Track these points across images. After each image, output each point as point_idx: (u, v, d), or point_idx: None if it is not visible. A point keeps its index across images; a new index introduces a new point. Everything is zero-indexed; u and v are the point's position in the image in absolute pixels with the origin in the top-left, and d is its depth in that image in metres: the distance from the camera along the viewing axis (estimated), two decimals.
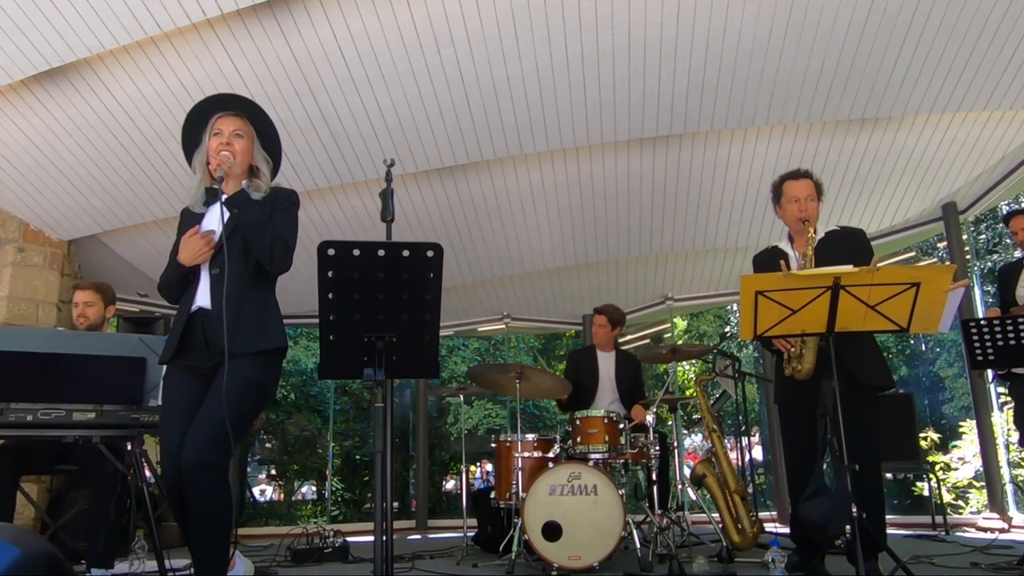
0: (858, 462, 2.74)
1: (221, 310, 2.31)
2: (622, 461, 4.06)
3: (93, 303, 3.76)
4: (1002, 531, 5.07)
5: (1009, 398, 4.16)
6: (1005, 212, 4.76)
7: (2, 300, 5.40)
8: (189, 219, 2.56)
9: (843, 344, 2.84)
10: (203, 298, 2.44)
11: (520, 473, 3.94)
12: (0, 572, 0.95)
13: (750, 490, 5.02)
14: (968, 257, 6.25)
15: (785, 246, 3.32)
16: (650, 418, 4.17)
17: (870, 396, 3.03)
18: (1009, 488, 5.58)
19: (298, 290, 6.90)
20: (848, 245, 3.09)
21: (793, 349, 3.06)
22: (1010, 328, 3.28)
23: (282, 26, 4.08)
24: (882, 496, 3.07)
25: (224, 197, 2.44)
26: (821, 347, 2.94)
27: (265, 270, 2.46)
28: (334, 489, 11.16)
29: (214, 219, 2.47)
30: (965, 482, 7.16)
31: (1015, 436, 4.01)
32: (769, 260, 3.28)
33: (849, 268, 2.53)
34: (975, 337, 3.37)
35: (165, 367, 2.48)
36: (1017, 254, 4.11)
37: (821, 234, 3.20)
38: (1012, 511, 5.43)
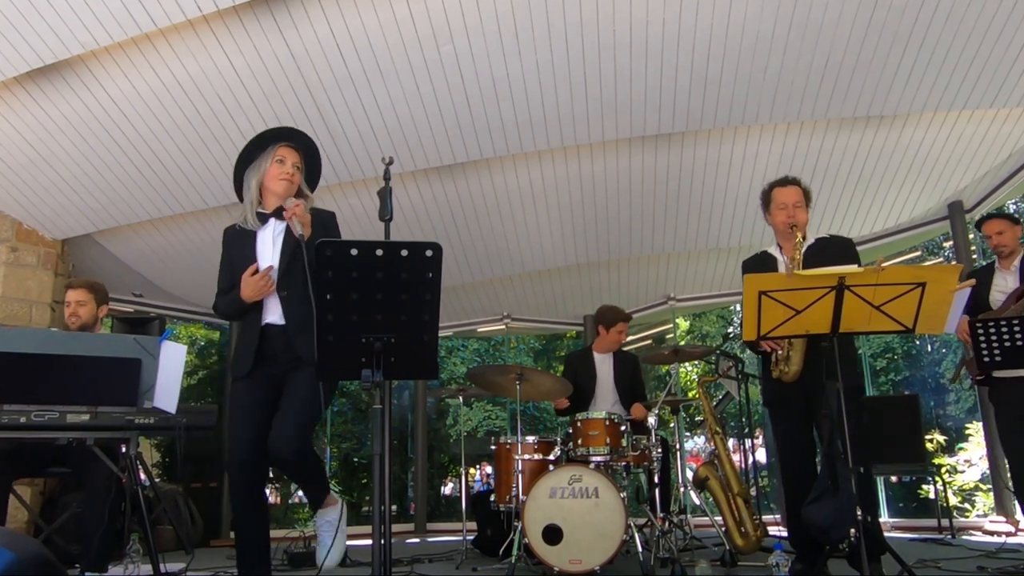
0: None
1: (290, 326, 2.62)
2: (623, 463, 4.06)
3: (85, 302, 3.75)
4: (1009, 535, 5.06)
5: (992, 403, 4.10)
6: (979, 218, 4.68)
7: None
8: (239, 237, 2.77)
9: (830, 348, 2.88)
10: (272, 316, 2.68)
11: (520, 476, 3.95)
12: None
13: (753, 493, 5.03)
14: (974, 256, 6.24)
15: (774, 251, 3.37)
16: (652, 420, 4.18)
17: (856, 399, 3.06)
18: None
19: None
20: (837, 253, 3.10)
21: (780, 351, 3.10)
22: (1017, 328, 3.28)
23: (279, 22, 4.08)
24: (876, 499, 3.10)
25: (260, 219, 2.75)
26: (808, 344, 3.00)
27: None
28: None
29: (268, 241, 2.72)
30: (971, 485, 7.16)
31: (1000, 440, 3.98)
32: (759, 265, 3.32)
33: (854, 268, 2.53)
34: (982, 338, 3.36)
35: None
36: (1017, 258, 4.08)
37: (811, 240, 3.24)
38: (1019, 515, 5.43)
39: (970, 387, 5.33)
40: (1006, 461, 4.07)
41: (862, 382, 3.26)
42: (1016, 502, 3.97)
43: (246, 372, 2.64)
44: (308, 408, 2.58)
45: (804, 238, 3.19)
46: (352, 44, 4.23)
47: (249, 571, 2.62)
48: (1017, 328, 3.28)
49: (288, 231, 2.66)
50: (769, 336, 2.70)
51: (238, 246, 2.76)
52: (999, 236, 3.98)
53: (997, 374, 3.78)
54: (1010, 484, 3.86)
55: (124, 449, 2.97)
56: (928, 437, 7.07)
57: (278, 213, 2.72)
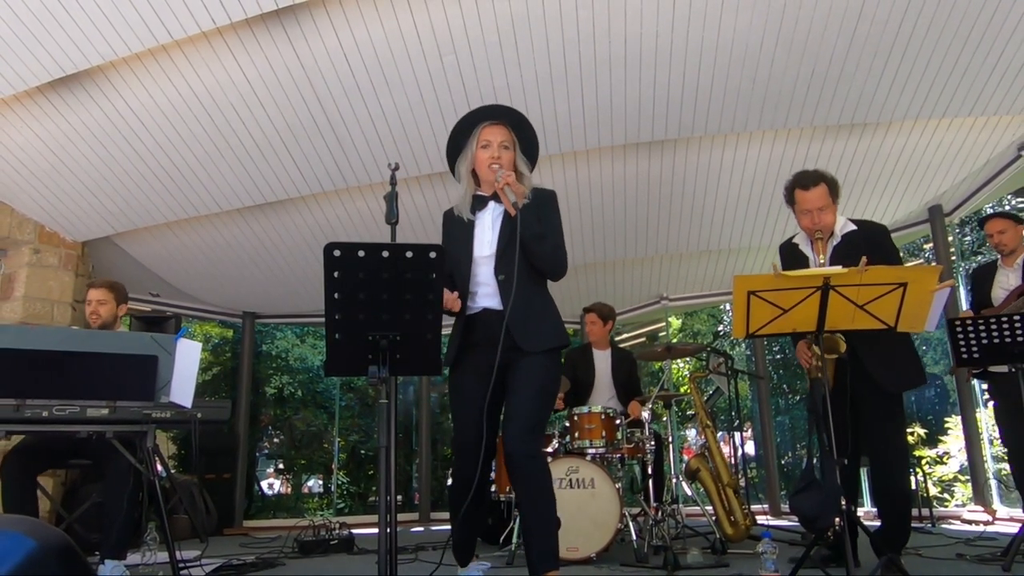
0: (886, 464, 2.79)
1: (512, 314, 2.38)
2: (618, 456, 4.06)
3: (106, 301, 3.75)
4: (986, 524, 5.07)
5: (989, 395, 4.13)
6: (982, 216, 4.71)
7: (18, 300, 5.41)
8: (458, 224, 2.62)
9: (865, 347, 2.83)
10: (489, 300, 2.50)
11: None
12: (17, 563, 0.95)
13: (742, 484, 5.02)
14: (953, 258, 6.25)
15: (805, 247, 3.20)
16: (646, 414, 4.18)
17: (894, 399, 2.97)
18: (993, 482, 5.58)
19: (304, 290, 6.90)
20: (868, 248, 2.83)
21: (812, 368, 3.02)
22: (994, 327, 3.28)
23: (289, 35, 4.08)
24: (910, 493, 3.02)
25: (476, 203, 2.55)
26: (840, 360, 2.87)
27: (539, 273, 2.51)
28: (340, 483, 11.14)
29: (487, 226, 2.56)
30: (951, 476, 7.16)
31: (999, 432, 3.99)
32: (790, 258, 3.22)
33: (839, 269, 2.53)
34: (960, 336, 3.37)
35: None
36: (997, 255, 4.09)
37: (838, 238, 3.08)
38: (996, 504, 5.43)
39: (967, 379, 5.36)
40: (1003, 448, 4.07)
41: (920, 378, 3.06)
42: (1016, 489, 3.94)
43: (451, 361, 2.50)
44: (540, 403, 2.40)
45: (832, 235, 3.05)
46: (359, 55, 4.23)
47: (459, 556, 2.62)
48: (994, 326, 3.29)
49: (506, 214, 2.47)
50: (758, 334, 2.70)
51: (456, 233, 2.58)
52: (1000, 235, 3.95)
53: (992, 369, 3.77)
54: (999, 468, 3.85)
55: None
56: (909, 430, 7.06)
57: (497, 196, 2.52)
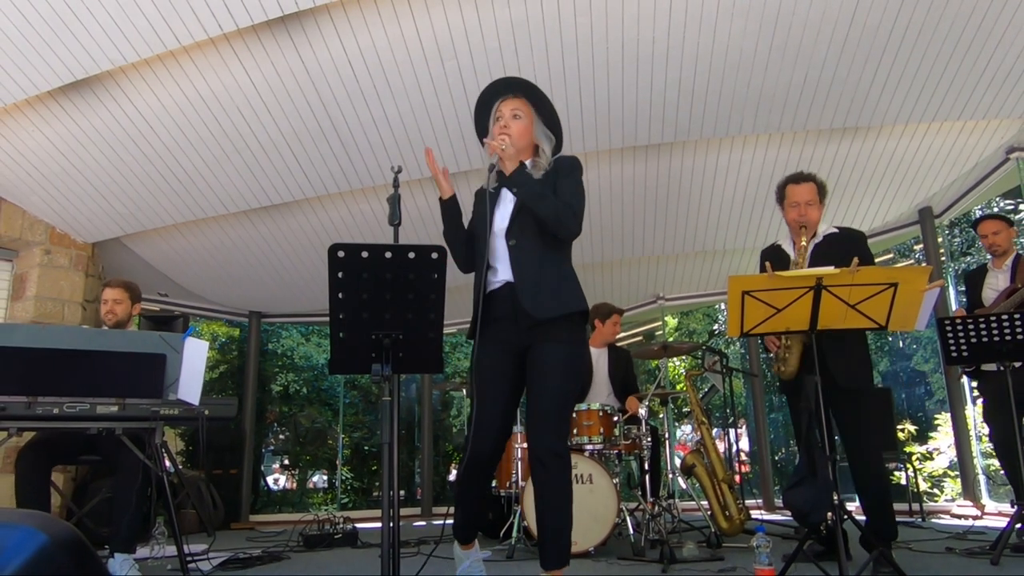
0: (856, 459, 2.77)
1: (519, 282, 2.34)
2: (616, 452, 4.06)
3: (122, 300, 3.75)
4: (975, 518, 5.07)
5: (978, 393, 4.13)
6: (976, 217, 4.73)
7: (30, 300, 5.41)
8: (482, 199, 2.58)
9: (826, 342, 2.84)
10: (507, 273, 2.42)
11: (519, 463, 3.95)
12: (28, 557, 0.95)
13: (737, 479, 5.02)
14: (943, 259, 6.24)
15: (787, 247, 3.26)
16: (643, 411, 4.18)
17: (852, 395, 3.00)
18: (981, 477, 5.58)
19: (309, 290, 6.90)
20: (846, 249, 2.92)
21: (779, 351, 3.07)
22: (983, 326, 3.29)
23: (295, 40, 4.08)
24: (887, 488, 3.04)
25: (500, 176, 2.42)
26: (805, 346, 2.94)
27: (558, 239, 2.44)
28: (344, 478, 11.15)
29: (508, 197, 2.50)
30: (940, 472, 7.17)
31: (987, 430, 3.99)
32: (773, 258, 3.23)
33: (831, 269, 2.53)
34: (950, 335, 3.37)
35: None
36: (989, 257, 4.09)
37: (819, 238, 3.14)
38: (984, 499, 5.43)
39: (960, 376, 5.38)
40: (991, 445, 4.07)
41: (868, 385, 3.10)
42: (1010, 484, 3.94)
43: (472, 333, 2.37)
44: (565, 397, 2.29)
45: (815, 235, 3.09)
46: (363, 60, 4.23)
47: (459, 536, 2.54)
48: (983, 326, 3.29)
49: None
50: (752, 333, 2.70)
51: (480, 208, 2.54)
52: (994, 236, 3.95)
53: (986, 367, 3.77)
54: (988, 464, 3.85)
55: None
56: (900, 427, 7.06)
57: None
